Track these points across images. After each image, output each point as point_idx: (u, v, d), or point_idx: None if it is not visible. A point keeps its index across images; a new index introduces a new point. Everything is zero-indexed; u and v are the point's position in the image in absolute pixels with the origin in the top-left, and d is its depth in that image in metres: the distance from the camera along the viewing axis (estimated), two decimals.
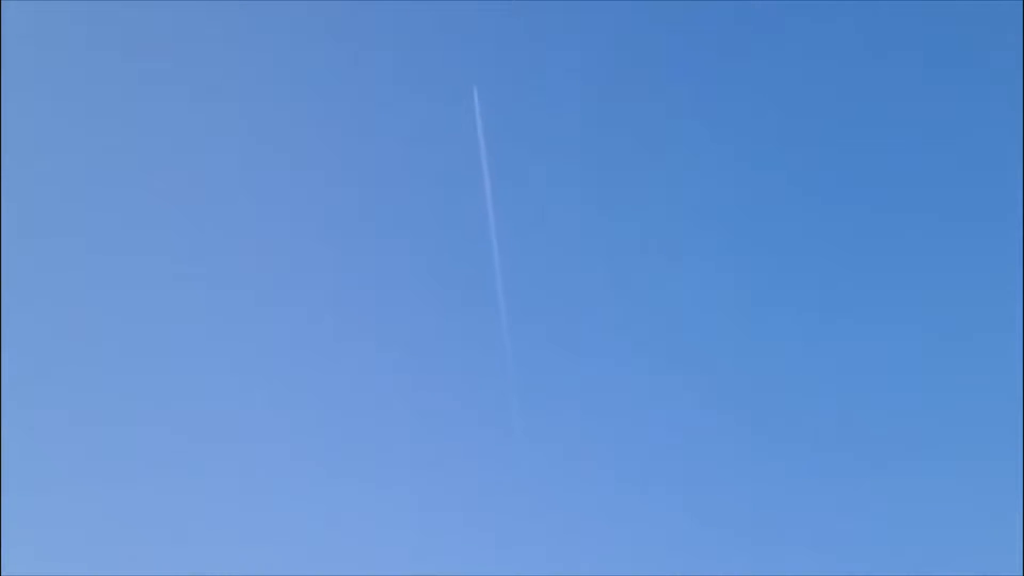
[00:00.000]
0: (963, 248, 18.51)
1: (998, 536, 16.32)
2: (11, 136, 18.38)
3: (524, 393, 17.67)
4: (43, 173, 18.80)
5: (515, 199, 18.93)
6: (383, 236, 19.21)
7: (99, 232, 18.87)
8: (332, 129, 19.67)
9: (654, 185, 19.30)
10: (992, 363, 17.78)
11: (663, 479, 17.47)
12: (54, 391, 17.93)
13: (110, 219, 18.93)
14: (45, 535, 16.82)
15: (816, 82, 19.44)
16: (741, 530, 17.03)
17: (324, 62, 19.81)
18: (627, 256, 19.02)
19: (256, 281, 18.94)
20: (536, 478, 17.25)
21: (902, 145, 19.17)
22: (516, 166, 19.14)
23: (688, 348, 18.42)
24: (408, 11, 19.58)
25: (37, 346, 18.01)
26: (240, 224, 19.23)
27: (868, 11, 19.32)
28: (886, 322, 18.39)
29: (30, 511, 16.88)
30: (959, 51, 19.20)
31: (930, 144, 19.17)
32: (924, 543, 16.78)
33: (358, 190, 19.40)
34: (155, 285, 18.67)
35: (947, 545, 16.67)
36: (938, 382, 18.08)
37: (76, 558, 16.57)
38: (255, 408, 18.21)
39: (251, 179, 19.41)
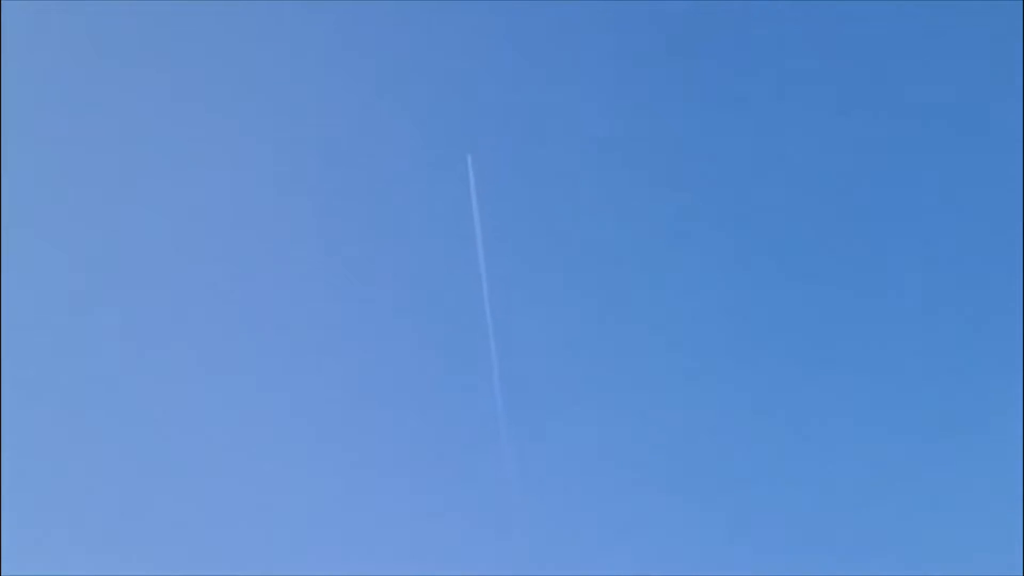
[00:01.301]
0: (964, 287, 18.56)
1: (998, 536, 16.39)
2: (11, 136, 18.44)
3: (517, 462, 17.62)
4: (43, 173, 18.83)
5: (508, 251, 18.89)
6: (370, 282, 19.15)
7: (99, 233, 18.93)
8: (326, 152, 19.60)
9: (659, 250, 19.36)
10: (995, 362, 17.86)
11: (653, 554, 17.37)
12: (54, 391, 17.98)
13: (109, 220, 18.99)
14: (45, 535, 16.89)
15: (821, 147, 19.37)
16: None
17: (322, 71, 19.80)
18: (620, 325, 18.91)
19: (253, 295, 18.99)
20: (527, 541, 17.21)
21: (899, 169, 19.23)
22: (508, 223, 19.11)
23: (685, 435, 18.26)
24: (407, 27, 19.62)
25: (37, 346, 18.06)
26: (238, 231, 19.28)
27: (866, 12, 19.36)
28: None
29: (30, 511, 16.92)
30: (959, 51, 19.24)
31: (929, 150, 19.25)
32: (924, 543, 16.85)
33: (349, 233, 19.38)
34: (151, 287, 18.73)
35: (947, 545, 16.73)
36: (940, 383, 18.20)
37: (76, 558, 16.62)
38: (252, 417, 18.28)
39: (250, 185, 19.45)
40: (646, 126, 19.60)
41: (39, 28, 18.92)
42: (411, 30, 19.64)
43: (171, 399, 18.07)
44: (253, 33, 19.48)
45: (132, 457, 17.70)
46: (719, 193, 19.40)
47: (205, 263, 18.96)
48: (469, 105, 19.61)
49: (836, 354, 18.46)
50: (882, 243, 18.93)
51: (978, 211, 18.67)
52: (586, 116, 19.62)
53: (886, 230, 18.92)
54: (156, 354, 18.33)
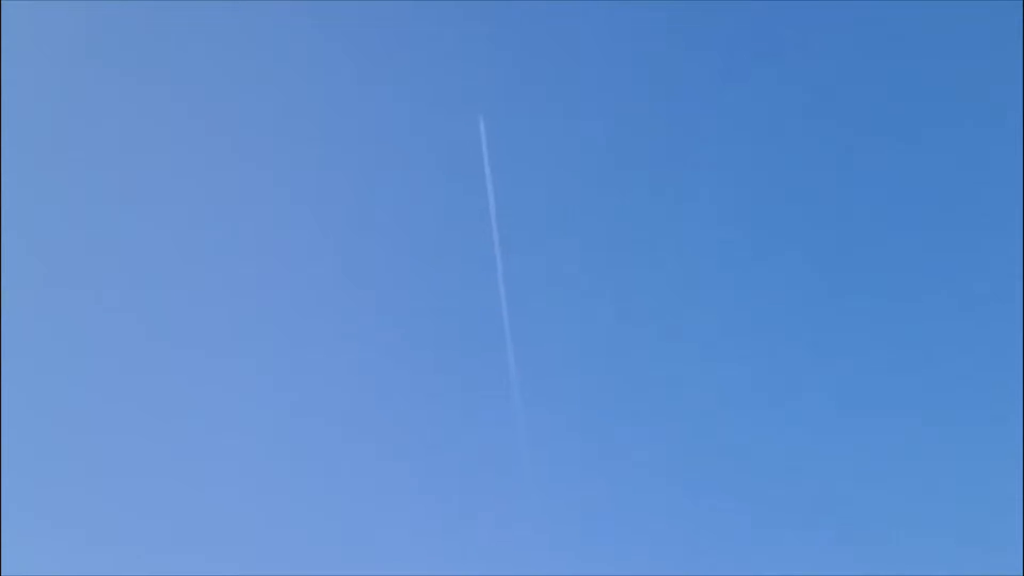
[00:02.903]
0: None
1: (998, 536, 16.40)
2: (11, 136, 18.44)
3: (537, 472, 17.60)
4: (43, 173, 18.84)
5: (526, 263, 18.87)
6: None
7: (99, 233, 18.94)
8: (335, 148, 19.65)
9: (668, 251, 19.33)
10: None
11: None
12: (54, 391, 17.99)
13: (111, 220, 19.01)
14: (45, 535, 16.89)
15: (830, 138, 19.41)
16: None
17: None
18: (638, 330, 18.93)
19: (254, 298, 19.00)
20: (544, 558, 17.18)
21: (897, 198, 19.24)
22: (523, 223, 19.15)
23: (699, 435, 18.27)
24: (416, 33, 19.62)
25: (37, 346, 18.08)
26: (244, 232, 19.31)
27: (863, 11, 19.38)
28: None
29: (30, 511, 16.93)
30: (960, 51, 19.26)
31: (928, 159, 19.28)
32: (924, 542, 16.87)
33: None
34: (151, 288, 18.72)
35: (947, 545, 16.75)
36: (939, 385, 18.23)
37: (76, 558, 16.63)
38: (262, 419, 18.32)
39: (255, 185, 19.47)
40: (653, 123, 19.76)
41: (39, 28, 18.95)
42: (413, 31, 19.75)
43: (177, 400, 18.18)
44: (252, 31, 19.57)
45: (137, 457, 17.77)
46: (729, 190, 19.57)
47: (209, 263, 19.06)
48: (475, 100, 19.73)
49: (838, 348, 18.64)
50: (883, 240, 19.03)
51: (981, 206, 18.77)
52: (591, 114, 19.77)
53: (889, 226, 19.07)
54: (178, 356, 18.48)
